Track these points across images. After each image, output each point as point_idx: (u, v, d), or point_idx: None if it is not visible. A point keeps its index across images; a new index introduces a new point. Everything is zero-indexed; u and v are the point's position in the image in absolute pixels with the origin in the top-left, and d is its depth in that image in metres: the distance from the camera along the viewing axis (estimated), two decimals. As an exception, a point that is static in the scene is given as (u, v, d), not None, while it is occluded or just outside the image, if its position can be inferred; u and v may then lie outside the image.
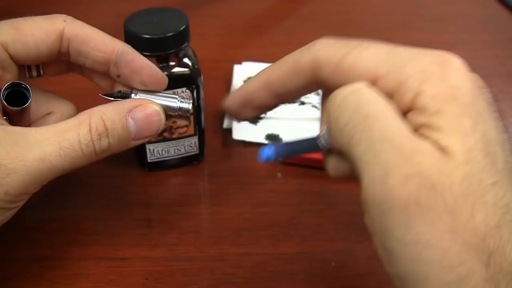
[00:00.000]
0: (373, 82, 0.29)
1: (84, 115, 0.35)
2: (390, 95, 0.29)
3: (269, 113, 0.51)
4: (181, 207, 0.44)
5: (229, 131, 0.50)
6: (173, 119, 0.44)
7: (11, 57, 0.37)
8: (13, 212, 0.35)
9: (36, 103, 0.38)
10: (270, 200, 0.45)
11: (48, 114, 0.40)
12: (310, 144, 0.33)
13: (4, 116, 0.36)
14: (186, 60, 0.43)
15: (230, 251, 0.41)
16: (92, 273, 0.39)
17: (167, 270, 0.39)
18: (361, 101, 0.28)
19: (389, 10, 0.70)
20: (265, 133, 0.50)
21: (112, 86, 0.40)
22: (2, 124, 0.35)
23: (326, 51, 0.31)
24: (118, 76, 0.38)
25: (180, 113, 0.39)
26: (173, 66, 0.43)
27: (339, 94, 0.29)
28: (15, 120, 0.37)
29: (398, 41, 0.68)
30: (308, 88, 0.33)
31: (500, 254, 0.24)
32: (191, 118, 0.45)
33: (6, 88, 0.36)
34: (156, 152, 0.46)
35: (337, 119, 0.29)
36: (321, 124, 0.33)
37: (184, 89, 0.43)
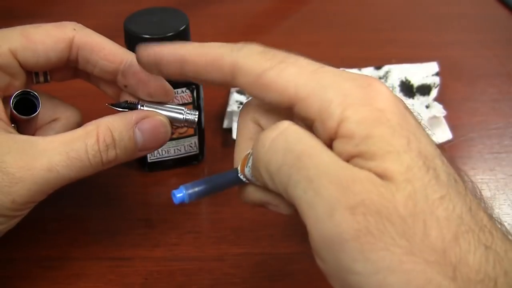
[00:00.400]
0: (293, 104, 0.28)
1: (92, 126, 0.35)
2: (311, 120, 0.28)
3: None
4: (180, 207, 0.44)
5: (229, 131, 0.50)
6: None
7: (20, 64, 0.37)
8: (17, 220, 0.35)
9: (42, 109, 0.38)
10: (270, 200, 0.45)
11: (54, 120, 0.40)
12: (229, 180, 0.33)
13: (12, 123, 0.36)
14: (186, 60, 0.43)
15: (230, 251, 0.41)
16: (92, 273, 0.39)
17: (167, 270, 0.39)
18: (290, 141, 0.27)
19: (389, 10, 0.70)
20: (265, 133, 0.50)
21: (118, 94, 0.40)
22: (11, 133, 0.35)
23: (250, 60, 0.30)
24: (125, 86, 0.38)
25: (186, 124, 0.38)
26: (173, 66, 0.43)
27: (267, 138, 0.28)
28: (22, 128, 0.37)
29: (398, 41, 0.69)
30: (222, 84, 0.31)
31: (464, 265, 0.24)
32: (191, 118, 0.45)
33: (15, 96, 0.36)
34: (156, 152, 0.46)
35: (268, 163, 0.28)
36: (237, 157, 0.33)
37: (184, 89, 0.43)
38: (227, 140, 0.50)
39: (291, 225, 0.42)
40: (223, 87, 0.32)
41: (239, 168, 0.32)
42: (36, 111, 0.37)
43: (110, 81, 0.39)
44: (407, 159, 0.26)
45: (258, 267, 0.39)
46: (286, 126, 0.28)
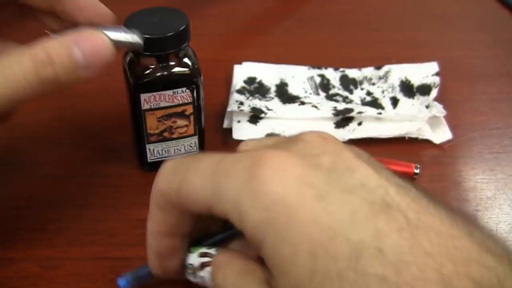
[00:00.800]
0: (210, 211, 0.29)
1: (26, 47, 0.35)
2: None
3: (269, 113, 0.51)
4: (181, 207, 0.44)
5: (229, 131, 0.50)
6: (172, 119, 0.44)
7: None
8: None
9: None
10: (270, 200, 0.45)
11: None
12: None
13: None
14: (186, 60, 0.43)
15: (230, 251, 0.41)
16: (92, 273, 0.39)
17: (167, 270, 0.39)
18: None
19: (389, 10, 0.70)
20: (265, 133, 0.50)
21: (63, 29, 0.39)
22: None
23: (169, 183, 0.30)
24: (63, 14, 0.38)
25: (131, 45, 0.38)
26: (173, 66, 0.43)
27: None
28: None
29: (398, 41, 0.69)
30: (193, 222, 0.32)
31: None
32: (191, 118, 0.45)
33: None
34: (156, 152, 0.46)
35: None
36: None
37: (184, 89, 0.43)
38: (227, 140, 0.50)
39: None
40: (202, 223, 0.33)
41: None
42: None
43: (49, 12, 0.38)
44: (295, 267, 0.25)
45: (258, 267, 0.39)
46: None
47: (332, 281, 0.24)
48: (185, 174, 0.29)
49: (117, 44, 0.37)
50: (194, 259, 0.33)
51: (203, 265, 0.32)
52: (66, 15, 0.38)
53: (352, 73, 0.57)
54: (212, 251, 0.32)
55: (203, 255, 0.32)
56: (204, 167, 0.29)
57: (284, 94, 0.55)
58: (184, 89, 0.43)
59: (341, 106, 0.53)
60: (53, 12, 0.38)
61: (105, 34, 0.36)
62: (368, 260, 0.24)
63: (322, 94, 0.55)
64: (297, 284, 0.25)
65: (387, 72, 0.57)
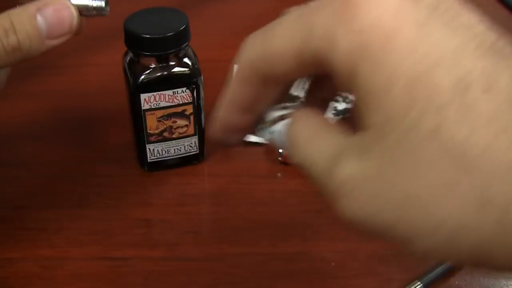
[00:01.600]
0: (299, 61, 0.26)
1: None
2: (324, 74, 0.25)
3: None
4: (180, 207, 0.44)
5: (229, 131, 0.50)
6: (172, 119, 0.44)
7: None
8: None
9: None
10: (270, 200, 0.45)
11: None
12: None
13: None
14: (186, 60, 0.43)
15: (230, 251, 0.41)
16: (92, 273, 0.39)
17: (167, 270, 0.39)
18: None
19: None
20: (265, 133, 0.50)
21: None
22: None
23: (254, 49, 0.28)
24: None
25: (95, 12, 0.38)
26: (173, 66, 0.43)
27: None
28: None
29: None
30: (268, 91, 0.30)
31: None
32: (191, 118, 0.45)
33: None
34: (156, 152, 0.46)
35: None
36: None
37: (184, 89, 0.43)
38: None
39: (292, 225, 0.42)
40: (273, 92, 0.30)
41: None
42: None
43: None
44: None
45: (258, 267, 0.39)
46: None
47: (431, 116, 0.21)
48: (269, 31, 0.27)
49: (82, 10, 0.37)
50: (272, 113, 0.31)
51: (281, 118, 0.30)
52: None
53: (352, 73, 0.57)
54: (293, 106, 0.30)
55: (283, 107, 0.31)
56: (288, 17, 0.27)
57: (284, 94, 0.54)
58: (184, 89, 0.43)
59: (341, 106, 0.53)
60: None
61: (69, 0, 0.36)
62: (476, 94, 0.21)
63: (322, 94, 0.55)
64: (390, 119, 0.22)
65: (387, 72, 0.57)
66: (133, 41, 0.42)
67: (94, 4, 0.37)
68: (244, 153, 0.49)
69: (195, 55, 0.44)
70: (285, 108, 0.31)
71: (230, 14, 0.69)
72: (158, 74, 0.43)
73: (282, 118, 0.30)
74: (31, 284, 0.38)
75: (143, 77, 0.42)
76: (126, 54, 0.44)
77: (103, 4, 0.38)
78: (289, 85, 0.30)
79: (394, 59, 0.22)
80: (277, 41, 0.26)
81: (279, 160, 0.48)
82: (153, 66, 0.43)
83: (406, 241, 0.22)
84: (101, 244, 0.41)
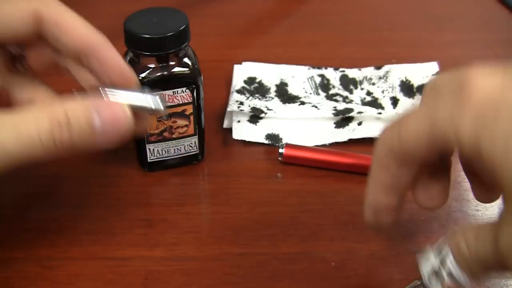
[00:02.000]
0: (429, 143, 0.30)
1: (46, 104, 0.35)
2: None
3: (269, 113, 0.51)
4: (180, 207, 0.44)
5: (229, 131, 0.50)
6: (172, 119, 0.44)
7: None
8: None
9: (17, 89, 0.37)
10: (270, 200, 0.45)
11: (30, 102, 0.39)
12: None
13: None
14: (186, 60, 0.43)
15: (230, 251, 0.41)
16: (92, 273, 0.39)
17: (167, 270, 0.39)
18: None
19: (389, 10, 0.70)
20: (265, 133, 0.50)
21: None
22: None
23: (391, 137, 0.32)
24: (89, 70, 0.37)
25: (152, 112, 0.38)
26: (173, 66, 0.43)
27: None
28: None
29: (398, 41, 0.68)
30: (404, 172, 0.33)
31: None
32: (191, 118, 0.45)
33: None
34: (156, 152, 0.46)
35: None
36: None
37: (184, 89, 0.43)
38: (227, 140, 0.50)
39: (291, 225, 0.42)
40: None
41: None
42: None
43: (77, 62, 0.38)
44: None
45: (258, 267, 0.39)
46: None
47: None
48: (401, 123, 0.31)
49: (138, 111, 0.37)
50: (430, 262, 0.32)
51: (443, 261, 0.31)
52: (93, 72, 0.37)
53: (352, 73, 0.57)
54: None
55: (436, 254, 0.32)
56: (417, 109, 0.31)
57: (284, 94, 0.55)
58: (184, 89, 0.43)
59: (341, 106, 0.53)
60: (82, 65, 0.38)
61: (127, 105, 0.36)
62: None
63: (322, 94, 0.55)
64: None
65: (387, 72, 0.57)
66: (133, 41, 0.42)
67: (154, 107, 0.37)
68: (244, 153, 0.49)
69: (195, 55, 0.44)
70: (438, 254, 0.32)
71: (230, 14, 0.69)
72: (158, 74, 0.43)
73: (444, 259, 0.32)
74: (31, 284, 0.38)
75: (143, 77, 0.42)
76: (126, 54, 0.44)
77: (163, 108, 0.37)
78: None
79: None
80: (410, 129, 0.30)
81: (279, 160, 0.48)
82: (153, 66, 0.43)
83: None
84: (101, 244, 0.41)
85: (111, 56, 0.37)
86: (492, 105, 0.27)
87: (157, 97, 0.38)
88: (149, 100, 0.38)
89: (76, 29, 0.37)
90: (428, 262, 0.32)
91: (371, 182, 0.34)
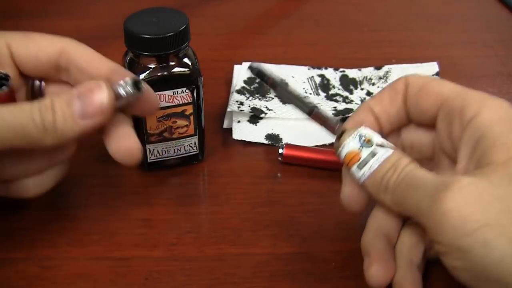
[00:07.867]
0: (440, 105, 0.36)
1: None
2: (452, 116, 0.35)
3: (269, 113, 0.51)
4: (180, 207, 0.44)
5: (229, 131, 0.50)
6: (172, 119, 0.44)
7: (12, 56, 0.39)
8: None
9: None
10: (270, 200, 0.45)
11: None
12: None
13: None
14: (186, 60, 0.43)
15: (230, 251, 0.41)
16: (92, 273, 0.39)
17: (167, 270, 0.39)
18: None
19: (389, 10, 0.70)
20: (265, 133, 0.50)
21: None
22: None
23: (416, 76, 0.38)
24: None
25: (130, 98, 0.38)
26: (173, 66, 0.43)
27: None
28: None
29: (397, 41, 0.68)
30: None
31: None
32: (191, 118, 0.45)
33: None
34: (156, 152, 0.46)
35: None
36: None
37: (184, 89, 0.43)
38: (227, 140, 0.50)
39: (292, 225, 0.42)
40: None
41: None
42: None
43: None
44: None
45: (258, 267, 0.39)
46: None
47: None
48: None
49: (120, 100, 0.37)
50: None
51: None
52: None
53: (352, 73, 0.57)
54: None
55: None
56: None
57: (284, 94, 0.54)
58: (184, 89, 0.43)
59: (341, 106, 0.53)
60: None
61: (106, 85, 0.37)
62: None
63: (322, 94, 0.55)
64: None
65: (387, 72, 0.57)
66: (133, 41, 0.42)
67: (124, 94, 0.37)
68: (244, 153, 0.49)
69: (195, 55, 0.44)
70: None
71: (230, 14, 0.69)
72: (158, 74, 0.43)
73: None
74: (31, 284, 0.38)
75: (143, 77, 0.42)
76: (126, 54, 0.44)
77: (131, 91, 0.37)
78: None
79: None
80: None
81: (279, 160, 0.48)
82: (153, 66, 0.43)
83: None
84: (101, 244, 0.41)
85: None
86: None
87: (129, 80, 0.37)
88: (121, 87, 0.37)
89: (97, 63, 0.39)
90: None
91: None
